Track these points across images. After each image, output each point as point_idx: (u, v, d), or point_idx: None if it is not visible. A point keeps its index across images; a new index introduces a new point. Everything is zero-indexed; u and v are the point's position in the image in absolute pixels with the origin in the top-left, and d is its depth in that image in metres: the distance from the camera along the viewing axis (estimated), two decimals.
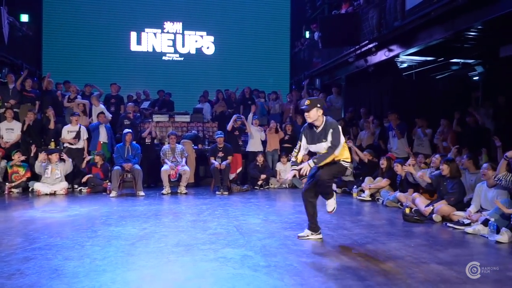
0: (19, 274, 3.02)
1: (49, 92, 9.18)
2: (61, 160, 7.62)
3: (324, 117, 3.97)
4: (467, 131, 7.24)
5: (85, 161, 7.82)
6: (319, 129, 3.94)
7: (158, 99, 11.24)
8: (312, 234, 4.21)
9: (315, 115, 3.90)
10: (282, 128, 9.38)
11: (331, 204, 4.16)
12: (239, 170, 8.61)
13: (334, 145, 3.86)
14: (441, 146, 7.53)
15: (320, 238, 4.19)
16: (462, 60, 8.82)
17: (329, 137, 3.87)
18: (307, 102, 3.97)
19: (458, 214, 4.94)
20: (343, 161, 4.01)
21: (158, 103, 11.08)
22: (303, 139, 4.11)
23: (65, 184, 7.47)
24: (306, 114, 3.95)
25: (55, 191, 7.30)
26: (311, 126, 4.01)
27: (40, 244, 3.88)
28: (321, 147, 3.93)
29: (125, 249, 3.73)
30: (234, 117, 8.78)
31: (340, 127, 3.99)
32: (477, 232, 4.37)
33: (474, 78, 9.40)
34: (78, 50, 12.89)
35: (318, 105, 3.90)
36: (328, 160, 3.91)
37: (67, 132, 8.07)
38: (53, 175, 7.42)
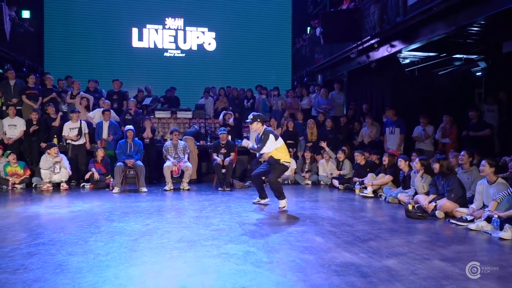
0: (24, 269, 3.03)
1: (49, 90, 9.16)
2: (61, 153, 7.68)
3: (264, 127, 5.59)
4: (468, 126, 7.20)
5: (99, 152, 7.79)
6: (260, 135, 5.57)
7: (164, 96, 11.18)
8: (261, 200, 5.95)
9: (255, 127, 5.55)
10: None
11: (282, 203, 5.57)
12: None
13: (259, 146, 5.52)
14: (441, 143, 7.53)
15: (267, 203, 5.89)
16: (464, 56, 8.77)
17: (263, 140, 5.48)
18: (251, 117, 5.58)
19: (461, 211, 4.93)
20: (283, 162, 5.55)
21: (166, 99, 11.04)
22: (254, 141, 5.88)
23: (65, 171, 7.49)
24: (250, 125, 5.62)
25: (59, 183, 7.45)
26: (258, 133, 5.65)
27: (44, 239, 3.89)
28: (266, 148, 5.50)
29: (128, 244, 3.74)
30: (223, 113, 9.13)
31: (272, 136, 5.47)
32: (480, 229, 4.36)
33: (477, 74, 9.36)
34: (79, 46, 12.89)
35: (258, 120, 5.53)
36: (258, 152, 5.66)
37: (69, 130, 8.08)
38: (55, 168, 7.46)
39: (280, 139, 5.65)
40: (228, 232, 4.23)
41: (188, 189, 7.54)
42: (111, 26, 13.23)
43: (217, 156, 7.87)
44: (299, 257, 3.41)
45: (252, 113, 5.73)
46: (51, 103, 8.62)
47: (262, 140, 5.53)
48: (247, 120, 5.69)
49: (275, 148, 5.53)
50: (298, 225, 4.62)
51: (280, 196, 5.60)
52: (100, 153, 7.75)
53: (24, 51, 10.75)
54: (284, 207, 5.56)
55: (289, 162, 5.72)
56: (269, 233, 4.23)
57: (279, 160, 5.55)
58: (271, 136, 5.51)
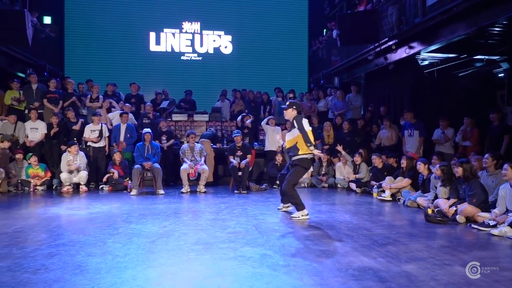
0: (44, 269, 3.10)
1: (70, 94, 9.36)
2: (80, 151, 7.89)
3: (297, 115, 5.28)
4: (490, 129, 7.04)
5: (116, 156, 7.92)
6: (291, 120, 5.32)
7: (184, 99, 11.29)
8: (285, 205, 5.69)
9: (289, 114, 5.30)
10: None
11: (296, 214, 5.16)
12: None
13: (299, 128, 5.12)
14: (462, 146, 7.37)
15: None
16: (486, 57, 8.58)
17: (295, 124, 5.19)
18: (288, 103, 5.45)
19: (483, 215, 4.81)
20: (303, 155, 5.15)
21: (179, 102, 11.14)
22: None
23: (85, 174, 7.63)
24: (285, 112, 5.39)
25: (78, 184, 7.61)
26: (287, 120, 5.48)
27: (64, 240, 3.97)
28: (291, 133, 5.30)
29: (145, 246, 3.78)
30: (242, 115, 9.26)
31: (303, 119, 5.21)
32: (503, 234, 4.25)
33: (499, 75, 9.14)
34: (99, 50, 13.13)
35: (294, 107, 5.32)
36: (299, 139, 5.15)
37: (90, 132, 8.26)
38: (75, 164, 7.61)
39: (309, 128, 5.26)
40: (245, 235, 4.23)
41: (205, 192, 7.58)
42: (129, 31, 13.44)
43: (233, 158, 7.90)
44: (316, 260, 3.38)
45: (289, 100, 5.47)
46: (71, 108, 8.81)
47: (295, 123, 5.21)
48: (283, 106, 5.50)
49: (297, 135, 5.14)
50: (314, 229, 4.59)
51: (296, 205, 5.20)
52: (117, 157, 7.87)
53: (45, 56, 11.03)
54: (297, 218, 5.07)
55: (311, 154, 5.20)
56: (285, 236, 4.22)
57: (298, 154, 5.15)
58: (301, 119, 5.19)
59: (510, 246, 3.98)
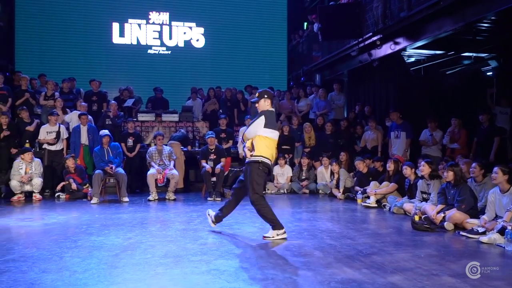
0: None
1: (23, 91, 9.05)
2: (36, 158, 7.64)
3: (266, 111, 4.61)
4: (479, 131, 7.27)
5: (69, 162, 7.72)
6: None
7: (153, 97, 11.12)
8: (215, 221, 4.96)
9: (263, 105, 4.62)
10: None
11: (270, 232, 4.55)
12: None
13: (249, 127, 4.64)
14: (450, 148, 7.59)
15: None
16: (474, 54, 8.89)
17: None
18: (256, 94, 4.80)
19: (472, 222, 4.96)
20: (259, 157, 4.50)
21: (151, 101, 10.97)
22: None
23: (39, 181, 7.38)
24: (256, 105, 4.71)
25: (31, 192, 7.35)
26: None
27: (14, 255, 3.85)
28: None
29: (108, 260, 3.72)
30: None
31: (263, 117, 4.49)
32: (492, 242, 4.39)
33: (488, 73, 9.48)
34: (55, 42, 12.84)
35: (265, 96, 4.65)
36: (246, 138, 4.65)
37: (46, 133, 8.05)
38: (27, 175, 7.37)
39: (274, 132, 4.59)
40: (219, 246, 4.22)
41: (174, 199, 7.52)
42: (90, 21, 13.19)
43: (206, 163, 7.86)
44: (296, 273, 3.41)
45: (258, 90, 4.86)
46: (25, 107, 8.54)
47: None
48: (253, 100, 4.87)
49: (259, 134, 4.51)
50: (294, 238, 4.62)
51: (270, 222, 4.55)
52: (70, 163, 7.65)
53: None
54: (272, 238, 4.49)
55: (269, 160, 4.57)
56: (263, 247, 4.23)
57: (254, 156, 4.51)
58: (262, 118, 4.51)
59: (500, 254, 4.12)
